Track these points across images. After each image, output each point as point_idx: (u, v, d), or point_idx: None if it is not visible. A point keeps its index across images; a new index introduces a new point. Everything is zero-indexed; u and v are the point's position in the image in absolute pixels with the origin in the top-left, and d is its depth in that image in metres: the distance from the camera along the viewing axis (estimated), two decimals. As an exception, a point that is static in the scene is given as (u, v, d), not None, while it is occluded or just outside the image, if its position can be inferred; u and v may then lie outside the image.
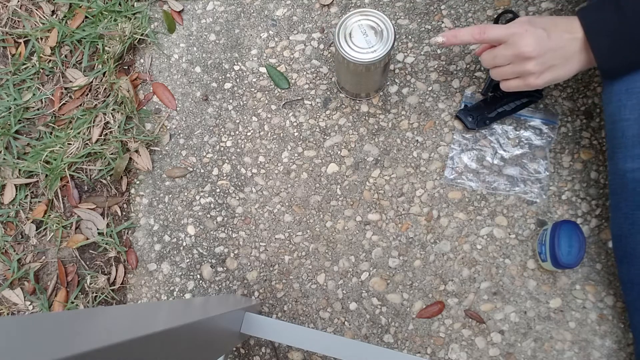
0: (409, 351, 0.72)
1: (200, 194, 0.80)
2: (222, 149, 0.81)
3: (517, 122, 0.76)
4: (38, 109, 0.86)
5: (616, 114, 0.57)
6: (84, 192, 0.83)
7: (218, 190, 0.80)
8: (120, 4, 0.87)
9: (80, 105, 0.84)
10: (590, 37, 0.54)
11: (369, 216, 0.76)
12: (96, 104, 0.84)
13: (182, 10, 0.87)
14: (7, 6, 0.90)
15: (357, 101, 0.80)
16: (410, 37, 0.81)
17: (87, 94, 0.85)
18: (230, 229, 0.79)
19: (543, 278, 0.72)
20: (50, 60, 0.87)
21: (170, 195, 0.81)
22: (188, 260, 0.79)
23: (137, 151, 0.82)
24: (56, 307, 0.79)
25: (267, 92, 0.82)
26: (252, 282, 0.77)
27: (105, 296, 0.78)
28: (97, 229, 0.80)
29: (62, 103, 0.85)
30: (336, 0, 0.84)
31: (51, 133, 0.84)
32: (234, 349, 0.75)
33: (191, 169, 0.81)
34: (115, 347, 0.22)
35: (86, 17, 0.88)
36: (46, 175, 0.82)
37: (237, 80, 0.83)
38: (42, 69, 0.87)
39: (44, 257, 0.81)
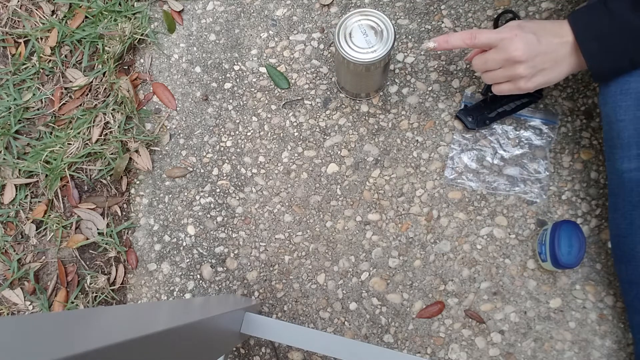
0: (409, 351, 0.72)
1: (200, 194, 0.80)
2: (222, 149, 0.81)
3: (517, 122, 0.76)
4: (38, 109, 0.86)
5: (612, 115, 0.57)
6: (84, 192, 0.83)
7: (218, 190, 0.80)
8: (120, 4, 0.87)
9: (80, 105, 0.84)
10: (580, 41, 0.55)
11: (369, 216, 0.76)
12: (96, 104, 0.84)
13: (182, 10, 0.87)
14: (7, 6, 0.90)
15: (357, 101, 0.80)
16: (410, 37, 0.81)
17: (87, 94, 0.85)
18: (230, 229, 0.79)
19: (543, 278, 0.72)
20: (50, 60, 0.87)
21: (170, 195, 0.81)
22: (188, 260, 0.79)
23: (137, 151, 0.82)
24: (56, 307, 0.79)
25: (267, 92, 0.82)
26: (252, 282, 0.77)
27: (105, 296, 0.78)
28: (97, 229, 0.80)
29: (62, 103, 0.85)
30: (336, 0, 0.84)
31: (51, 133, 0.84)
32: (234, 349, 0.75)
33: (191, 169, 0.81)
34: (115, 347, 0.22)
35: (86, 17, 0.88)
36: (46, 175, 0.82)
37: (237, 80, 0.83)
38: (42, 69, 0.87)
39: (44, 257, 0.81)
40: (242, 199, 0.79)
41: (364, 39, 0.65)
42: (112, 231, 0.80)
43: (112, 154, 0.82)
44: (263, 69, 0.83)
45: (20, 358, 0.17)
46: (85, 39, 0.86)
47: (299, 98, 0.81)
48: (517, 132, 0.75)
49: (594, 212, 0.72)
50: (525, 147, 0.75)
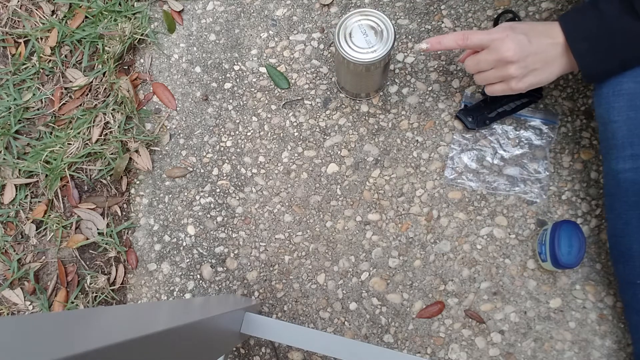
0: (409, 351, 0.72)
1: (200, 194, 0.80)
2: (222, 149, 0.81)
3: (517, 122, 0.76)
4: (38, 109, 0.86)
5: (606, 116, 0.58)
6: (84, 192, 0.83)
7: (218, 190, 0.80)
8: (120, 4, 0.87)
9: (80, 105, 0.84)
10: (571, 42, 0.56)
11: (369, 216, 0.76)
12: (96, 104, 0.84)
13: (182, 10, 0.87)
14: (7, 6, 0.90)
15: (357, 101, 0.80)
16: (410, 37, 0.81)
17: (87, 94, 0.85)
18: (230, 229, 0.79)
19: (543, 278, 0.72)
20: (50, 60, 0.87)
21: (170, 195, 0.81)
22: (188, 260, 0.79)
23: (137, 151, 0.82)
24: (56, 307, 0.79)
25: (267, 92, 0.82)
26: (252, 282, 0.77)
27: (105, 296, 0.78)
28: (97, 229, 0.80)
29: (62, 103, 0.85)
30: (336, 0, 0.84)
31: (51, 133, 0.84)
32: (234, 349, 0.75)
33: (191, 169, 0.81)
34: (115, 347, 0.22)
35: (86, 17, 0.88)
36: (46, 175, 0.82)
37: (237, 80, 0.83)
38: (42, 69, 0.87)
39: (44, 257, 0.81)
40: (242, 199, 0.79)
41: (364, 39, 0.65)
42: (112, 231, 0.80)
43: (112, 154, 0.82)
44: (263, 69, 0.83)
45: (20, 358, 0.17)
46: (85, 39, 0.86)
47: (299, 98, 0.81)
48: (517, 132, 0.75)
49: (594, 212, 0.72)
50: (525, 147, 0.75)
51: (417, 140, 0.77)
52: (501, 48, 0.58)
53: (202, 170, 0.81)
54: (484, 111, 0.75)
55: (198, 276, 0.78)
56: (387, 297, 0.74)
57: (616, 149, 0.57)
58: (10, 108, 0.85)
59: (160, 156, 0.82)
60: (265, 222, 0.78)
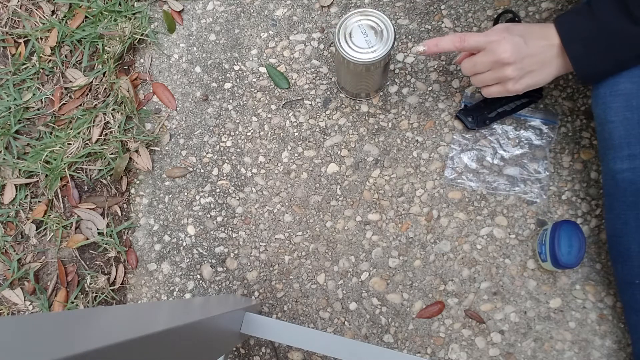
0: (409, 351, 0.72)
1: (200, 194, 0.80)
2: (222, 149, 0.81)
3: (517, 122, 0.76)
4: (38, 109, 0.86)
5: (603, 117, 0.58)
6: (84, 192, 0.83)
7: (218, 190, 0.80)
8: (120, 4, 0.87)
9: (80, 105, 0.84)
10: (566, 44, 0.56)
11: (369, 216, 0.76)
12: (96, 104, 0.84)
13: (182, 10, 0.87)
14: (7, 6, 0.90)
15: (357, 101, 0.80)
16: (410, 37, 0.81)
17: (87, 94, 0.85)
18: (230, 229, 0.79)
19: (543, 278, 0.72)
20: (50, 60, 0.87)
21: (170, 195, 0.81)
22: (188, 260, 0.79)
23: (137, 151, 0.82)
24: (56, 307, 0.79)
25: (267, 92, 0.82)
26: (252, 282, 0.77)
27: (105, 296, 0.78)
28: (97, 229, 0.80)
29: (62, 103, 0.85)
30: (336, 0, 0.84)
31: (51, 133, 0.84)
32: (234, 349, 0.75)
33: (191, 169, 0.81)
34: (115, 347, 0.22)
35: (86, 17, 0.88)
36: (46, 175, 0.82)
37: (237, 80, 0.83)
38: (42, 69, 0.87)
39: (44, 257, 0.81)
40: (242, 199, 0.79)
41: (364, 39, 0.65)
42: (112, 231, 0.80)
43: (112, 154, 0.82)
44: (263, 69, 0.83)
45: (20, 358, 0.17)
46: (85, 39, 0.86)
47: (299, 98, 0.81)
48: (517, 132, 0.75)
49: (594, 212, 0.72)
50: (525, 147, 0.75)
51: (417, 140, 0.77)
52: (497, 50, 0.59)
53: (202, 170, 0.81)
54: (484, 111, 0.75)
55: (198, 276, 0.78)
56: (387, 297, 0.74)
57: (614, 149, 0.57)
58: (10, 108, 0.85)
59: (160, 156, 0.82)
60: (265, 222, 0.78)
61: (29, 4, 0.90)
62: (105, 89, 0.85)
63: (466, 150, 0.76)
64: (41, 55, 0.87)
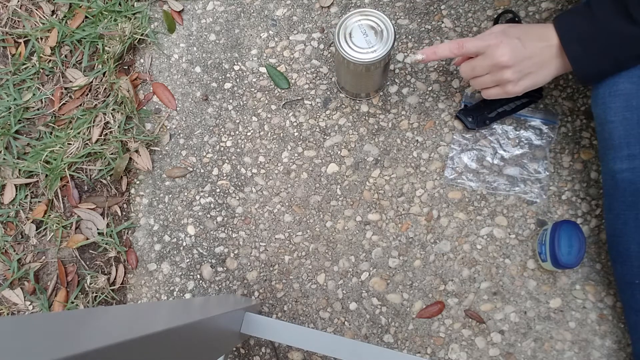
0: (409, 351, 0.72)
1: (200, 194, 0.80)
2: (222, 149, 0.81)
3: (517, 122, 0.76)
4: (38, 109, 0.86)
5: (603, 117, 0.58)
6: (84, 192, 0.83)
7: (218, 190, 0.80)
8: (120, 4, 0.87)
9: (80, 105, 0.84)
10: (565, 44, 0.57)
11: (369, 216, 0.76)
12: (96, 104, 0.84)
13: (182, 10, 0.87)
14: (7, 6, 0.90)
15: (357, 101, 0.80)
16: (410, 37, 0.81)
17: (87, 94, 0.85)
18: (230, 229, 0.79)
19: (543, 278, 0.72)
20: (50, 60, 0.87)
21: (170, 195, 0.81)
22: (188, 260, 0.79)
23: (137, 151, 0.82)
24: (56, 307, 0.79)
25: (267, 92, 0.82)
26: (252, 282, 0.77)
27: (105, 296, 0.78)
28: (97, 229, 0.80)
29: (62, 103, 0.85)
30: (336, 0, 0.84)
31: (51, 133, 0.84)
32: (234, 349, 0.75)
33: (191, 169, 0.81)
34: (115, 347, 0.22)
35: (86, 17, 0.88)
36: (46, 175, 0.82)
37: (237, 80, 0.83)
38: (42, 69, 0.87)
39: (44, 257, 0.81)
40: (242, 199, 0.79)
41: (364, 39, 0.65)
42: (112, 231, 0.80)
43: (112, 154, 0.82)
44: (263, 69, 0.83)
45: (20, 358, 0.17)
46: (85, 39, 0.86)
47: (299, 98, 0.81)
48: (517, 132, 0.75)
49: (594, 212, 0.72)
50: (525, 147, 0.75)
51: (417, 140, 0.77)
52: (496, 54, 0.59)
53: (202, 170, 0.81)
54: (484, 111, 0.75)
55: (198, 276, 0.78)
56: (387, 297, 0.74)
57: (613, 149, 0.57)
58: (10, 108, 0.85)
59: (160, 156, 0.82)
60: (265, 222, 0.78)
61: (29, 4, 0.90)
62: (105, 89, 0.85)
63: (466, 150, 0.76)
64: (41, 55, 0.87)
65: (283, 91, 0.82)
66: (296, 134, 0.80)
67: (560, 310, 0.71)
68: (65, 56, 0.88)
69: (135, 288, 0.79)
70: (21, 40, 0.88)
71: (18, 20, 0.90)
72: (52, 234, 0.81)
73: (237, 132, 0.82)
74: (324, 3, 0.83)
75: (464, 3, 0.80)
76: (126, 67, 0.87)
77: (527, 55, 0.58)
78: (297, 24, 0.84)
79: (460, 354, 0.71)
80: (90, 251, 0.81)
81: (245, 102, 0.82)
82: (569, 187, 0.73)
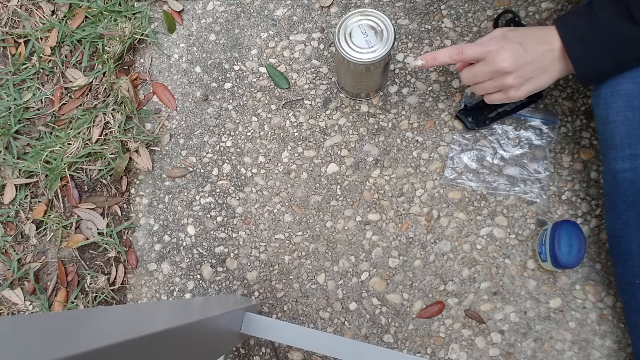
0: (409, 351, 0.72)
1: (200, 194, 0.80)
2: (222, 149, 0.81)
3: (517, 122, 0.76)
4: (38, 109, 0.86)
5: (604, 116, 0.58)
6: (84, 192, 0.83)
7: (218, 190, 0.80)
8: (120, 4, 0.87)
9: (80, 105, 0.84)
10: (567, 45, 0.56)
11: (369, 216, 0.76)
12: (96, 104, 0.84)
13: (182, 10, 0.87)
14: (7, 6, 0.90)
15: (357, 101, 0.80)
16: (410, 37, 0.81)
17: (87, 94, 0.85)
18: (230, 229, 0.79)
19: (543, 278, 0.72)
20: (50, 60, 0.87)
21: (170, 195, 0.81)
22: (188, 260, 0.79)
23: (137, 151, 0.82)
24: (56, 307, 0.79)
25: (267, 92, 0.82)
26: (252, 282, 0.77)
27: (105, 296, 0.78)
28: (97, 229, 0.80)
29: (62, 103, 0.85)
30: (336, 0, 0.84)
31: (51, 133, 0.84)
32: (234, 349, 0.75)
33: (191, 169, 0.81)
34: (115, 347, 0.22)
35: (86, 17, 0.88)
36: (46, 175, 0.82)
37: (237, 80, 0.83)
38: (42, 69, 0.87)
39: (44, 257, 0.81)
40: (242, 199, 0.79)
41: (364, 39, 0.65)
42: (112, 231, 0.80)
43: (112, 154, 0.82)
44: (263, 69, 0.83)
45: (20, 358, 0.17)
46: (85, 39, 0.86)
47: (299, 98, 0.81)
48: (517, 132, 0.75)
49: (594, 212, 0.72)
50: (525, 147, 0.75)
51: (417, 140, 0.77)
52: (497, 60, 0.58)
53: (202, 170, 0.81)
54: (484, 111, 0.75)
55: (198, 276, 0.78)
56: (387, 297, 0.74)
57: (615, 149, 0.57)
58: (10, 108, 0.85)
59: (160, 156, 0.82)
60: (265, 222, 0.78)
61: (29, 4, 0.90)
62: (105, 89, 0.85)
63: (466, 150, 0.76)
64: (41, 55, 0.87)
65: (283, 91, 0.82)
66: (296, 134, 0.80)
67: (560, 310, 0.71)
68: (65, 56, 0.88)
69: (135, 288, 0.79)
70: (21, 40, 0.88)
71: (18, 20, 0.90)
72: (52, 234, 0.81)
73: (237, 132, 0.82)
74: (324, 3, 0.83)
75: (464, 3, 0.80)
76: (126, 67, 0.87)
77: (529, 60, 0.58)
78: (297, 24, 0.84)
79: (460, 354, 0.71)
80: (90, 251, 0.81)
81: (245, 102, 0.82)
82: (569, 187, 0.73)
